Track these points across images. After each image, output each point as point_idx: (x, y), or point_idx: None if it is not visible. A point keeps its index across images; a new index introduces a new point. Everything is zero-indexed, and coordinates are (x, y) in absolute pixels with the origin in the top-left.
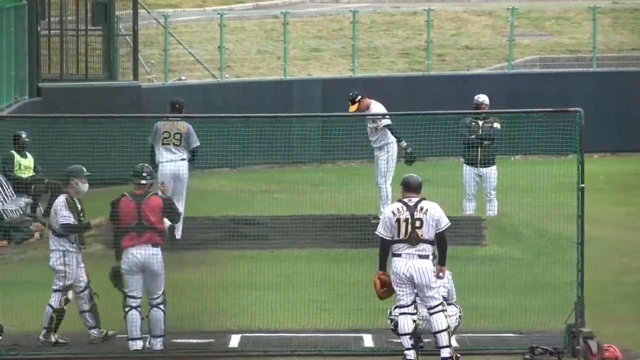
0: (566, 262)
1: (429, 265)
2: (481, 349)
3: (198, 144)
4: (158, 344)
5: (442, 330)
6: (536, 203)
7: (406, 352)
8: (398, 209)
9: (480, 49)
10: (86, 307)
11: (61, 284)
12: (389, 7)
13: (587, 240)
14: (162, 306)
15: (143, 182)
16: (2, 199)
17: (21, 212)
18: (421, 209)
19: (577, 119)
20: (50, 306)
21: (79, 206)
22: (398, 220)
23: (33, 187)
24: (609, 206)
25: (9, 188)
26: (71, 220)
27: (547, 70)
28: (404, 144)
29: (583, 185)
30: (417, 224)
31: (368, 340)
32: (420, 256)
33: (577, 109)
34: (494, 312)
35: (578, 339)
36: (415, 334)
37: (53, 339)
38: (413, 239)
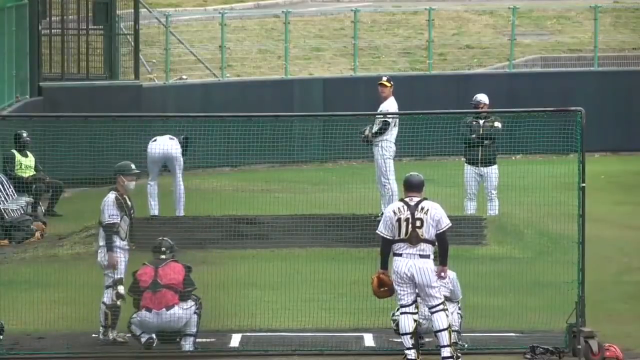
0: (567, 262)
1: (429, 265)
2: (482, 349)
3: None
4: (187, 345)
5: (443, 330)
6: (537, 202)
7: (407, 351)
8: (399, 208)
9: (481, 48)
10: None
11: (111, 280)
12: (390, 6)
13: (588, 239)
14: (197, 310)
15: (162, 256)
16: (3, 198)
17: (22, 212)
18: (422, 208)
19: (578, 118)
20: (104, 303)
21: (130, 203)
22: (399, 220)
23: (34, 186)
24: (610, 205)
25: (9, 187)
26: (118, 220)
27: (548, 69)
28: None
29: (584, 184)
30: (418, 223)
31: (369, 340)
32: (421, 256)
33: (578, 108)
34: (494, 312)
35: (579, 338)
36: (416, 334)
37: (111, 337)
38: (413, 239)
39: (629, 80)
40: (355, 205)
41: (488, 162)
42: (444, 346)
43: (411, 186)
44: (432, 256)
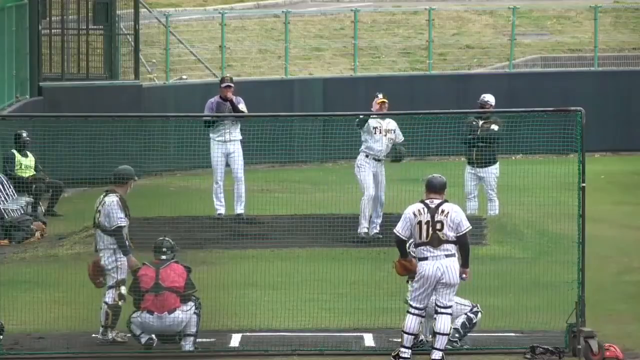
0: (567, 262)
1: (456, 264)
2: (482, 349)
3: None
4: (188, 345)
5: (443, 334)
6: (537, 202)
7: (403, 349)
8: (419, 210)
9: (482, 48)
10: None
11: (114, 280)
12: (390, 6)
13: (588, 239)
14: (196, 310)
15: (163, 257)
16: (3, 198)
17: (22, 212)
18: (442, 211)
19: (578, 118)
20: (106, 303)
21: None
22: (419, 223)
23: (34, 186)
24: (610, 205)
25: (9, 187)
26: (124, 222)
27: (548, 69)
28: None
29: (584, 184)
30: (438, 226)
31: (369, 340)
32: (447, 255)
33: (578, 108)
34: (494, 312)
35: (579, 338)
36: (417, 336)
37: (110, 337)
38: (435, 241)
39: (629, 80)
40: (355, 205)
41: (484, 163)
42: (437, 349)
43: (432, 188)
44: (456, 255)
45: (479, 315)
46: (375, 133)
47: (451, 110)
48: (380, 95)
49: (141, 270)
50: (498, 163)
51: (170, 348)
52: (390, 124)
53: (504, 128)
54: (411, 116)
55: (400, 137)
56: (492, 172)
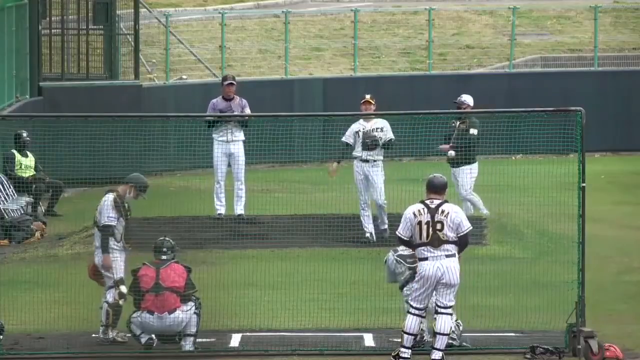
0: (567, 262)
1: (456, 264)
2: (482, 349)
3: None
4: (188, 345)
5: (444, 334)
6: (537, 202)
7: (403, 349)
8: (419, 210)
9: (482, 48)
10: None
11: (111, 280)
12: (390, 6)
13: (588, 239)
14: (196, 310)
15: (164, 257)
16: (3, 198)
17: (22, 212)
18: (442, 211)
19: (578, 118)
20: (106, 302)
21: (127, 205)
22: (419, 223)
23: (34, 186)
24: (610, 205)
25: (9, 187)
26: (115, 222)
27: (548, 69)
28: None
29: (584, 184)
30: (438, 226)
31: (369, 340)
32: (447, 255)
33: (578, 108)
34: (494, 312)
35: (579, 338)
36: (417, 336)
37: (111, 336)
38: (435, 241)
39: (629, 80)
40: (354, 205)
41: (456, 163)
42: (437, 349)
43: (433, 188)
44: (457, 255)
45: (460, 327)
46: (358, 136)
47: (452, 111)
48: (368, 96)
49: (141, 270)
50: (476, 163)
51: (170, 348)
52: (377, 123)
53: (479, 132)
54: (411, 116)
55: (389, 136)
56: (466, 171)
